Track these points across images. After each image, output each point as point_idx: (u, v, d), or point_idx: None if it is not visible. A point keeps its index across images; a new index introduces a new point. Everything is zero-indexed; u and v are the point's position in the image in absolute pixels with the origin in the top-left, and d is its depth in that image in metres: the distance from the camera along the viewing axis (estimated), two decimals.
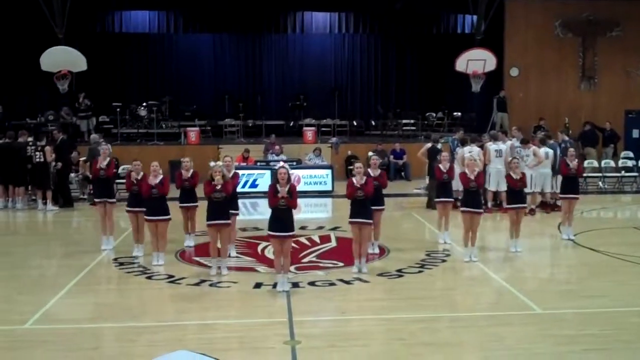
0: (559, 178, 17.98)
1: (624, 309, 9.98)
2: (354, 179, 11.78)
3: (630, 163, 23.82)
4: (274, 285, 11.16)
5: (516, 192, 13.52)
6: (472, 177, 12.76)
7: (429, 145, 19.02)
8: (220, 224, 11.72)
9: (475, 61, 25.14)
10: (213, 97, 29.12)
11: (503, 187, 17.79)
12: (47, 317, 9.86)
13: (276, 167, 12.09)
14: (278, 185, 10.79)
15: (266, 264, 12.50)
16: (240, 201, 14.30)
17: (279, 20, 29.43)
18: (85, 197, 19.97)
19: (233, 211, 12.86)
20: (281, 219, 10.80)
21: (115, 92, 27.53)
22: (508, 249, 13.61)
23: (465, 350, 8.47)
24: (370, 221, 11.96)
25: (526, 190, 14.14)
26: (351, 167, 22.93)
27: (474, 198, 12.92)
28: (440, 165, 14.17)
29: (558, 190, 18.26)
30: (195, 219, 14.12)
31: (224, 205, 11.70)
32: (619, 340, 8.69)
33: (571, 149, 15.22)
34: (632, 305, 10.20)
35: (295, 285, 11.28)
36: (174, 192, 13.84)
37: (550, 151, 18.18)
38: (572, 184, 14.62)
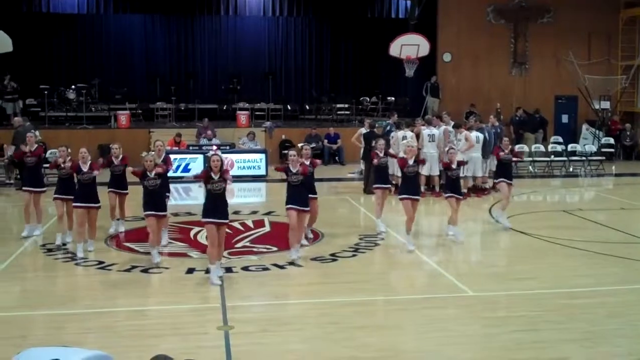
0: (490, 162, 18.31)
1: (552, 291, 10.18)
2: (290, 166, 11.66)
3: (559, 148, 24.34)
4: (207, 271, 11.01)
5: (454, 180, 13.51)
6: (411, 163, 12.69)
7: (363, 130, 19.07)
8: (158, 215, 11.53)
9: (409, 46, 25.26)
10: (144, 80, 28.60)
11: (435, 172, 18.00)
12: None
13: (209, 154, 11.97)
14: (212, 173, 10.63)
15: (199, 250, 12.36)
16: (172, 186, 14.08)
17: (211, 2, 29.07)
18: (12, 182, 19.43)
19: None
20: (216, 204, 10.65)
21: (43, 74, 26.80)
22: (441, 234, 13.68)
23: (399, 333, 8.52)
24: (308, 208, 11.92)
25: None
26: (285, 151, 22.98)
27: (414, 184, 12.89)
28: (377, 151, 14.12)
29: (487, 174, 18.62)
30: (125, 206, 13.83)
31: (160, 193, 11.52)
32: (548, 321, 8.85)
33: (505, 138, 15.33)
34: (560, 287, 10.40)
35: (228, 270, 11.17)
36: (104, 176, 13.55)
37: (481, 135, 18.41)
38: (506, 169, 14.68)
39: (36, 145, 13.67)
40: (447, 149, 14.96)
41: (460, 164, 13.65)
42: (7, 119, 24.34)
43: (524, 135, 25.19)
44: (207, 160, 17.97)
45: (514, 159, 14.96)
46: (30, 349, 1.45)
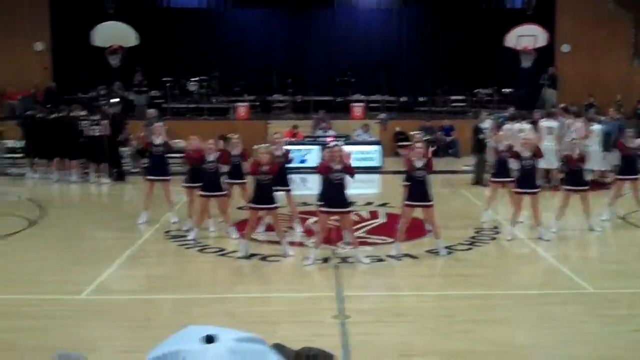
0: (608, 155, 17.77)
1: None
2: (415, 160, 11.53)
3: None
4: (324, 260, 11.27)
5: (575, 172, 13.22)
6: (527, 156, 12.55)
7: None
8: (264, 209, 11.80)
9: (526, 37, 24.79)
10: (262, 73, 29.14)
11: (554, 165, 17.62)
12: (102, 287, 10.11)
13: (330, 145, 12.13)
14: (332, 164, 10.84)
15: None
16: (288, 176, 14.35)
17: None
18: (138, 170, 20.26)
19: (286, 188, 13.08)
20: (334, 194, 10.86)
21: (166, 67, 27.71)
22: (559, 229, 13.42)
23: (515, 328, 8.49)
24: (431, 203, 11.62)
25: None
26: (401, 143, 22.96)
27: (529, 177, 12.70)
28: (498, 145, 13.96)
29: (605, 168, 18.07)
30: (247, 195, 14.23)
31: (270, 187, 11.60)
32: None
33: (629, 130, 14.90)
34: None
35: (344, 260, 11.36)
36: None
37: (601, 127, 17.87)
38: (632, 164, 14.25)
39: (163, 136, 14.19)
40: (569, 140, 14.68)
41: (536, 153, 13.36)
42: (134, 110, 25.40)
43: None
44: (323, 151, 18.26)
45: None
46: (190, 326, 1.61)
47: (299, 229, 13.36)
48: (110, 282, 10.49)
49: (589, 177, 17.27)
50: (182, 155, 14.52)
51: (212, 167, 12.53)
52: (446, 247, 11.81)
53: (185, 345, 1.57)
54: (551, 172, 17.82)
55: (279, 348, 2.10)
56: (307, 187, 17.84)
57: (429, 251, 11.87)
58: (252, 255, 11.62)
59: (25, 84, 25.68)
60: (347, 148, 12.56)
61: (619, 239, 13.51)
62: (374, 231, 13.46)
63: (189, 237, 12.73)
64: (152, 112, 20.72)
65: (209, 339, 1.56)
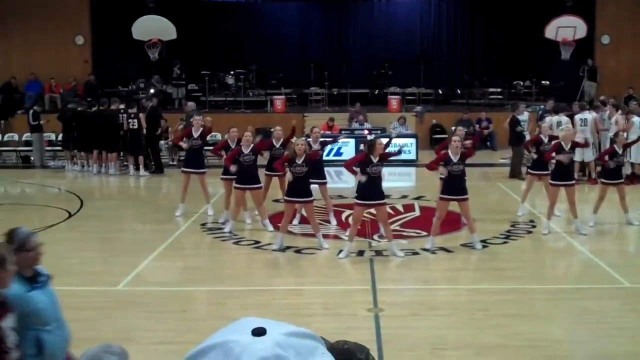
0: None
1: None
2: (449, 151, 11.50)
3: None
4: (359, 253, 11.31)
5: (614, 167, 12.98)
6: (567, 149, 12.44)
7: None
8: (300, 202, 11.86)
9: (565, 28, 24.49)
10: (298, 66, 29.22)
11: (589, 158, 17.41)
12: (139, 279, 10.27)
13: (369, 137, 12.15)
14: (371, 156, 10.88)
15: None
16: (325, 169, 14.39)
17: None
18: (175, 163, 20.48)
19: (321, 180, 13.14)
20: (371, 187, 10.90)
21: (204, 61, 27.93)
22: (596, 222, 13.26)
23: (550, 322, 8.45)
24: (466, 196, 11.58)
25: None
26: (436, 136, 22.88)
27: (566, 169, 12.52)
28: (541, 136, 13.84)
29: None
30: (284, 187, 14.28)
31: (305, 180, 11.61)
32: None
33: None
34: None
35: (378, 253, 11.39)
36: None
37: (639, 120, 17.58)
38: None
39: (201, 129, 14.32)
40: (611, 134, 14.49)
41: (578, 145, 13.18)
42: (172, 103, 25.64)
43: None
44: (359, 144, 18.35)
45: None
46: (245, 318, 1.65)
47: (333, 222, 13.42)
48: (147, 274, 10.65)
49: (628, 170, 17.11)
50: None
51: (248, 160, 12.60)
52: (481, 241, 11.76)
53: (235, 336, 1.63)
54: (588, 164, 17.62)
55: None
56: (343, 180, 17.88)
57: (463, 245, 11.83)
58: (287, 247, 11.69)
59: (66, 77, 26.05)
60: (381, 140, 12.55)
61: None
62: (408, 224, 13.45)
63: (225, 230, 12.85)
64: (191, 104, 20.90)
65: (259, 332, 1.61)
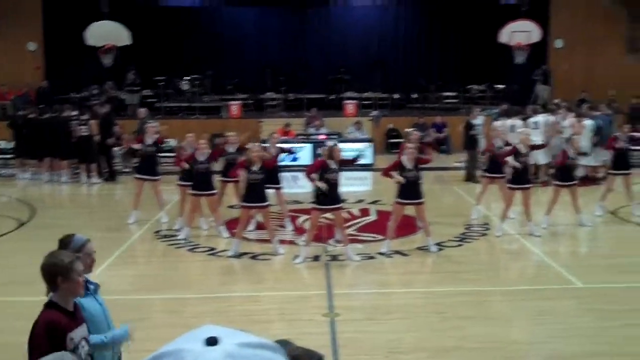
0: (599, 151, 17.76)
1: None
2: (403, 158, 11.51)
3: None
4: (315, 258, 11.26)
5: (567, 169, 13.19)
6: (524, 152, 12.53)
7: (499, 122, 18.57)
8: (256, 207, 11.75)
9: (520, 33, 24.79)
10: (255, 71, 29.13)
11: (541, 161, 17.60)
12: None
13: (326, 144, 12.12)
14: (331, 162, 10.85)
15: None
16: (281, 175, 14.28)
17: None
18: (129, 170, 20.22)
19: (277, 186, 13.08)
20: (330, 192, 10.87)
21: (159, 66, 27.65)
22: (549, 224, 13.39)
23: (506, 324, 8.49)
24: (422, 200, 11.58)
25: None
26: (393, 140, 22.94)
27: (523, 173, 12.66)
28: (493, 141, 13.97)
29: (596, 164, 18.06)
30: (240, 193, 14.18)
31: (261, 186, 11.53)
32: None
33: (626, 126, 14.90)
34: None
35: (334, 258, 11.35)
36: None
37: (593, 123, 17.84)
38: (622, 160, 14.26)
39: (156, 136, 14.15)
40: (567, 137, 14.69)
41: (536, 148, 13.33)
42: (126, 110, 25.35)
43: None
44: (316, 149, 18.30)
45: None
46: (204, 326, 1.60)
47: (289, 227, 13.36)
48: (100, 282, 10.40)
49: (580, 172, 17.33)
50: (173, 155, 14.49)
51: (203, 167, 12.50)
52: (437, 244, 11.81)
53: (188, 344, 1.57)
54: (540, 167, 17.81)
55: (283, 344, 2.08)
56: (299, 185, 17.82)
57: (419, 248, 11.87)
58: (243, 254, 11.60)
59: (18, 84, 25.59)
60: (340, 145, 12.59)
61: (608, 233, 13.51)
62: (364, 228, 13.45)
63: (179, 237, 12.72)
64: (142, 111, 20.67)
65: (211, 341, 1.56)
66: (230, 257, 11.45)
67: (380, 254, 11.51)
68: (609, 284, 9.92)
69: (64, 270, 4.48)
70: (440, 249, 11.77)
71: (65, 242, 5.06)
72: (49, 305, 4.50)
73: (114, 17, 24.45)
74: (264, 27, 30.02)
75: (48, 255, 4.67)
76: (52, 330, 4.34)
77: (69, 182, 19.21)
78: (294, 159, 20.41)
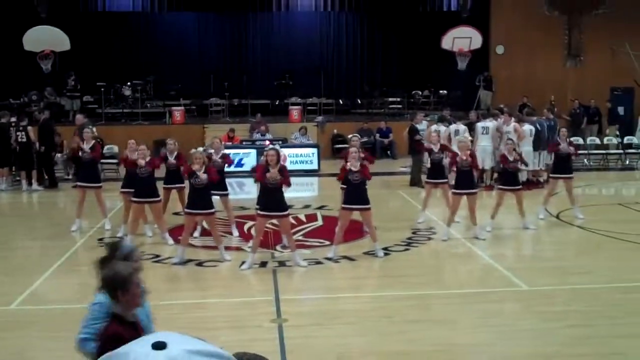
0: (544, 155, 18.10)
1: (608, 285, 10.07)
2: (349, 165, 11.45)
3: (615, 140, 23.92)
4: (262, 264, 11.18)
5: (509, 171, 13.36)
6: (464, 157, 12.64)
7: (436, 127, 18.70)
8: (201, 214, 11.57)
9: (461, 39, 25.09)
10: (198, 76, 28.92)
11: (488, 165, 17.84)
12: (33, 297, 9.84)
13: (266, 149, 12.01)
14: (269, 167, 10.77)
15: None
16: (226, 180, 14.12)
17: None
18: (70, 177, 19.85)
19: (222, 192, 12.90)
20: (272, 198, 10.78)
21: (100, 72, 27.24)
22: (494, 228, 13.55)
23: (452, 327, 8.52)
24: (368, 206, 11.57)
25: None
26: (338, 145, 23.00)
27: (467, 178, 12.76)
28: (432, 146, 14.09)
29: (540, 167, 18.37)
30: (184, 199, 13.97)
31: (206, 192, 11.39)
32: (604, 316, 8.78)
33: (563, 129, 15.14)
34: (617, 281, 10.28)
35: (281, 264, 11.29)
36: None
37: (533, 128, 18.14)
38: (564, 163, 14.44)
39: (93, 142, 13.88)
40: (502, 142, 14.87)
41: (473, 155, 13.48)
42: (66, 116, 24.90)
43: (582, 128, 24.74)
44: (260, 155, 18.14)
45: (572, 150, 14.60)
46: (161, 332, 1.56)
47: (235, 233, 13.25)
48: (41, 292, 10.22)
49: (523, 176, 17.59)
50: (115, 161, 14.25)
51: (145, 173, 12.29)
52: (383, 249, 11.84)
53: (136, 347, 1.55)
54: (485, 172, 18.03)
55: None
56: (244, 191, 17.73)
57: (366, 253, 11.87)
58: (189, 260, 11.46)
59: None
60: (284, 151, 12.51)
61: (552, 236, 13.70)
62: (311, 234, 13.41)
63: (119, 235, 12.52)
64: (80, 117, 20.20)
65: (158, 346, 1.52)
66: (175, 264, 11.29)
67: (328, 259, 11.48)
68: (553, 286, 10.06)
69: (123, 283, 4.49)
70: (387, 254, 11.79)
71: (113, 248, 4.96)
72: (113, 317, 4.51)
73: (53, 22, 24.00)
74: (206, 32, 29.88)
75: (106, 266, 4.67)
76: (117, 343, 4.24)
77: (8, 189, 18.76)
78: (240, 165, 20.35)
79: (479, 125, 18.18)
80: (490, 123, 18.22)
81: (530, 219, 13.65)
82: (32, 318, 9.02)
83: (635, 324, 8.50)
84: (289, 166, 20.29)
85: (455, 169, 12.96)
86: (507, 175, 13.35)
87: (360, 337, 8.22)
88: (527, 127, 17.91)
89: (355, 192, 11.38)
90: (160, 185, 13.04)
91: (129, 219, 12.81)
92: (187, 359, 1.52)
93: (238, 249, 12.36)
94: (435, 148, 13.95)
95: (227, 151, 14.63)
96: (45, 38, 23.34)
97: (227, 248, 11.93)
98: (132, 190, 12.59)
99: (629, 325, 8.45)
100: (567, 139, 14.63)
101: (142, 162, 12.25)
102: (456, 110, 22.76)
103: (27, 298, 9.73)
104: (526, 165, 15.46)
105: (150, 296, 9.72)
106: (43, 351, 7.93)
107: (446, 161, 14.10)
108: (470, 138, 15.84)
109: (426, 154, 15.41)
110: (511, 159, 13.21)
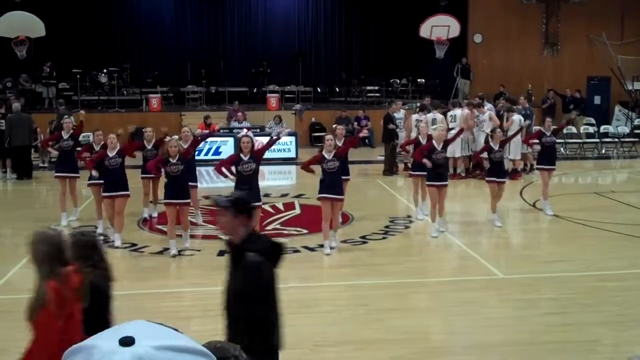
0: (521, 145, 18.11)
1: (583, 274, 10.17)
2: (324, 153, 11.24)
3: (591, 129, 24.07)
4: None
5: (497, 163, 13.15)
6: (439, 149, 12.51)
7: (416, 116, 18.53)
8: (179, 204, 11.36)
9: (440, 27, 25.12)
10: (175, 63, 28.73)
11: (457, 154, 17.81)
12: (7, 287, 9.77)
13: (239, 135, 11.94)
14: (242, 155, 10.70)
15: None
16: (203, 169, 14.13)
17: None
18: (46, 165, 19.67)
19: (192, 183, 12.54)
20: (248, 187, 10.68)
21: (76, 59, 26.98)
22: (468, 216, 13.60)
23: (428, 315, 8.57)
24: (342, 197, 11.48)
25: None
26: (316, 134, 22.97)
27: (441, 171, 12.52)
28: (419, 137, 13.84)
29: (514, 157, 18.35)
30: (158, 190, 13.83)
31: (182, 180, 11.23)
32: (578, 304, 8.85)
33: (548, 119, 14.99)
34: (591, 269, 10.38)
35: None
36: (136, 160, 13.70)
37: (522, 118, 18.06)
38: (550, 154, 14.21)
39: (71, 132, 13.66)
40: (489, 130, 14.79)
41: (450, 142, 13.32)
42: (42, 103, 24.65)
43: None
44: (237, 142, 18.09)
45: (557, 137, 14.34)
46: (136, 321, 1.50)
47: (200, 221, 13.12)
48: (16, 281, 10.11)
49: (507, 166, 17.56)
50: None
51: (114, 164, 11.75)
52: (361, 237, 11.92)
53: (103, 341, 1.49)
54: (456, 161, 18.00)
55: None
56: (221, 180, 17.62)
57: (343, 242, 11.86)
58: (164, 249, 11.39)
59: None
60: (261, 139, 12.44)
61: (528, 225, 13.78)
62: (289, 222, 13.39)
63: (97, 232, 12.36)
64: (61, 102, 20.03)
65: (125, 341, 1.47)
66: (174, 256, 11.11)
67: (328, 254, 11.25)
68: (528, 274, 10.13)
69: None
70: (364, 242, 11.82)
71: None
72: None
73: (28, 8, 23.70)
74: (183, 18, 29.65)
75: None
76: None
77: None
78: (217, 153, 20.28)
79: (449, 114, 18.21)
80: (458, 111, 18.24)
81: (499, 215, 13.41)
82: (6, 307, 8.93)
83: (608, 311, 8.58)
84: (267, 154, 20.29)
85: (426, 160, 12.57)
86: (494, 166, 13.11)
87: (337, 325, 8.22)
88: (517, 117, 17.83)
89: (331, 181, 11.27)
90: (136, 176, 12.92)
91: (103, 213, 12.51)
92: (155, 356, 1.47)
93: (215, 237, 12.29)
94: (423, 140, 13.63)
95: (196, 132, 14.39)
96: (19, 24, 23.07)
97: (206, 236, 11.88)
98: (100, 182, 12.06)
99: (602, 312, 8.53)
100: (551, 128, 14.41)
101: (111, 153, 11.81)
102: (435, 99, 22.76)
103: (1, 287, 9.65)
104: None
105: (126, 285, 9.69)
106: (17, 341, 7.82)
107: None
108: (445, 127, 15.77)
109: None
110: (496, 148, 13.04)
